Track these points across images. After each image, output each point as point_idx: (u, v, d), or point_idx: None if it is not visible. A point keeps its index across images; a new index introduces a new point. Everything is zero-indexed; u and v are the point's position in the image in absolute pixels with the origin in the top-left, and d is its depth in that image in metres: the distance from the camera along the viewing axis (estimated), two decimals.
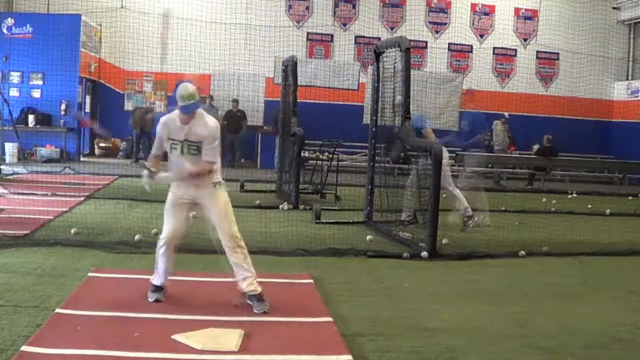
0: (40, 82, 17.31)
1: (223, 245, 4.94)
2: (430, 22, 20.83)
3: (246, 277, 4.92)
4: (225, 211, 4.91)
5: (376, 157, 9.56)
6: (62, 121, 17.31)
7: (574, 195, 15.66)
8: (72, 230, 7.49)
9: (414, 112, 9.24)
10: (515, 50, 21.24)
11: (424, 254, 7.29)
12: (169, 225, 4.94)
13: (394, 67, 8.74)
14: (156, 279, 5.02)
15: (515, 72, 21.21)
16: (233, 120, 18.48)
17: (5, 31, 17.04)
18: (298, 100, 11.50)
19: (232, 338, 4.18)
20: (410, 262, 7.12)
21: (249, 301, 4.93)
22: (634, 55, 21.77)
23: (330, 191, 12.28)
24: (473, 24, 21.06)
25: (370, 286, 5.92)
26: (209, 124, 4.88)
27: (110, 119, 19.41)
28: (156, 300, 4.93)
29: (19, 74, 17.23)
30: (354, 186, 12.60)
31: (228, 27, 18.83)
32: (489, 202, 9.94)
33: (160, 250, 4.95)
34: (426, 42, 20.69)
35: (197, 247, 6.67)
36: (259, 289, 4.94)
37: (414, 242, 7.84)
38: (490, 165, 18.37)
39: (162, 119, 5.00)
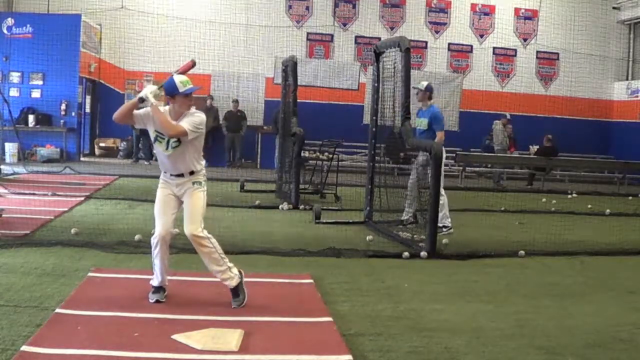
0: (40, 82, 17.30)
1: None
2: (430, 22, 20.82)
3: (219, 272, 4.94)
4: (194, 212, 4.90)
5: (376, 157, 9.56)
6: (62, 121, 17.33)
7: (574, 195, 15.65)
8: (72, 230, 7.48)
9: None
10: (515, 50, 21.23)
11: (424, 254, 7.29)
12: (159, 223, 4.95)
13: (394, 67, 8.73)
14: (155, 280, 5.01)
15: (515, 72, 21.20)
16: (233, 120, 18.49)
17: (5, 31, 17.03)
18: (298, 100, 11.50)
19: (232, 338, 4.18)
20: (410, 262, 7.12)
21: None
22: (634, 55, 21.76)
23: (330, 191, 12.28)
24: (473, 24, 21.05)
25: (370, 286, 5.91)
26: (195, 115, 4.90)
27: (110, 119, 19.42)
28: (157, 301, 4.92)
29: (19, 74, 17.22)
30: (354, 186, 12.60)
31: (228, 27, 18.85)
32: (488, 203, 9.90)
33: (155, 251, 4.95)
34: (426, 42, 20.69)
35: None
36: (233, 283, 4.94)
37: (414, 242, 7.84)
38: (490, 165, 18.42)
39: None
